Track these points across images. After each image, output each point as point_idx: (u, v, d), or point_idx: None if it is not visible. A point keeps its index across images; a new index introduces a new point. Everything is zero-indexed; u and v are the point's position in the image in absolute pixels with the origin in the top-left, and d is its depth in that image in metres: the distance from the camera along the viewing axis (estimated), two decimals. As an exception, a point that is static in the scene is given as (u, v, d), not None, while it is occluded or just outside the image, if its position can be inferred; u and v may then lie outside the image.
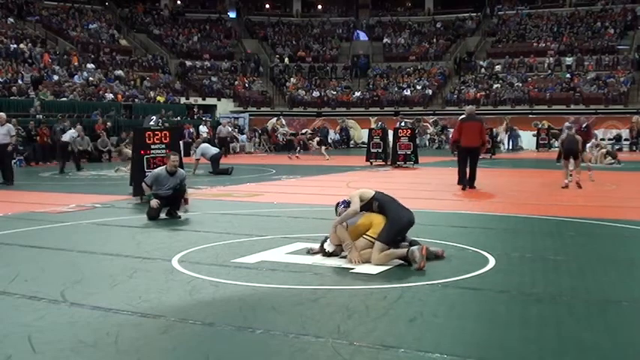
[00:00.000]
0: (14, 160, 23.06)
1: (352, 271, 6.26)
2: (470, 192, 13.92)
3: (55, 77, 31.63)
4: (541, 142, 33.38)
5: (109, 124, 26.86)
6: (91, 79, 33.11)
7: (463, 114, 15.15)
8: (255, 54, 47.23)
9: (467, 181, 14.35)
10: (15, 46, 32.78)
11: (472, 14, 49.27)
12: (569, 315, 4.95)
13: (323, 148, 27.21)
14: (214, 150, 19.98)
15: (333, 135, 37.97)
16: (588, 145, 18.88)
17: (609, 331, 4.56)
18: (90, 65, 35.21)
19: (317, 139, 29.17)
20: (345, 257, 6.67)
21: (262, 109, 42.28)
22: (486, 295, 5.53)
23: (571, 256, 7.22)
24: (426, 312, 4.95)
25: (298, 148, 28.29)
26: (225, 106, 40.88)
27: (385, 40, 48.54)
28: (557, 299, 5.36)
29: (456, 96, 41.70)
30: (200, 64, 44.03)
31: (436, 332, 4.51)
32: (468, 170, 14.41)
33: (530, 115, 37.22)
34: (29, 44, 33.88)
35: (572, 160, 14.51)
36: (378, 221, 6.64)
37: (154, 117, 13.99)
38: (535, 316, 4.90)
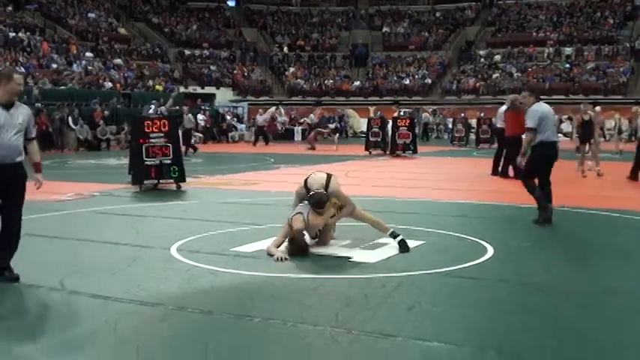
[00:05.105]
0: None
1: (351, 260, 6.26)
2: (473, 182, 13.94)
3: (54, 65, 31.51)
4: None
5: (106, 112, 26.79)
6: (89, 67, 32.99)
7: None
8: (254, 43, 47.10)
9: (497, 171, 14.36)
10: (13, 34, 32.63)
11: (472, 3, 49.07)
12: (568, 304, 4.95)
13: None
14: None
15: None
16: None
17: (607, 319, 4.56)
18: (88, 54, 35.06)
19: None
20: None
21: (261, 98, 42.17)
22: (485, 284, 5.53)
23: (569, 246, 7.22)
24: (425, 301, 4.95)
25: (335, 136, 27.17)
26: (224, 95, 40.76)
27: (384, 29, 48.38)
28: (556, 288, 5.36)
29: (455, 86, 41.62)
30: (199, 52, 43.88)
31: (435, 321, 4.52)
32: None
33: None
34: (28, 33, 33.73)
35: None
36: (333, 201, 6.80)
37: (153, 105, 13.96)
38: (534, 304, 4.90)
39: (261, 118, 30.27)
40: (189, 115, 23.80)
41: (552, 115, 8.51)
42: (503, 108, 14.79)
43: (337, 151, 23.93)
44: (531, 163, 8.41)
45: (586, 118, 14.97)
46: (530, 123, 8.23)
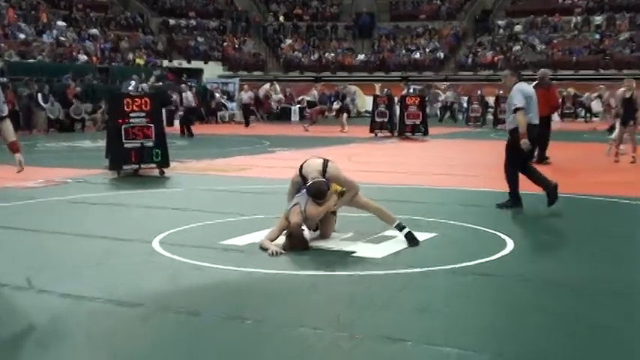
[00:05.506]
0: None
1: (354, 255, 6.25)
2: (490, 167, 13.89)
3: (22, 36, 31.36)
4: (566, 111, 33.27)
5: (78, 89, 26.71)
6: (61, 38, 32.84)
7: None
8: (246, 11, 46.91)
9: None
10: (-25, 0, 32.51)
11: (490, -33, 48.85)
12: (597, 304, 4.92)
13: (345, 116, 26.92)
14: None
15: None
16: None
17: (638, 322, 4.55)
18: (60, 22, 34.87)
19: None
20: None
21: (254, 73, 42.08)
22: (504, 281, 5.51)
23: (599, 238, 7.20)
24: (437, 301, 4.93)
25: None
26: (212, 70, 40.65)
27: (392, -5, 48.20)
28: (584, 287, 5.34)
29: (470, 60, 41.50)
30: (185, 22, 43.68)
31: (448, 323, 4.50)
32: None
33: (554, 82, 37.04)
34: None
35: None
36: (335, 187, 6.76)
37: (133, 81, 13.92)
38: (557, 305, 4.88)
39: (246, 96, 30.19)
40: (189, 92, 23.81)
41: (535, 97, 8.91)
42: (533, 84, 14.76)
43: (346, 132, 24.12)
44: (513, 150, 8.73)
45: (628, 95, 14.64)
46: (519, 102, 8.61)
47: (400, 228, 6.68)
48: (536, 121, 8.88)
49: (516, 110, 8.58)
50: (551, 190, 8.47)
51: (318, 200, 6.59)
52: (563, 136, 19.61)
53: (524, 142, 8.54)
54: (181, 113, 23.58)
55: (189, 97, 23.38)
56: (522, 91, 8.71)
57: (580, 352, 4.00)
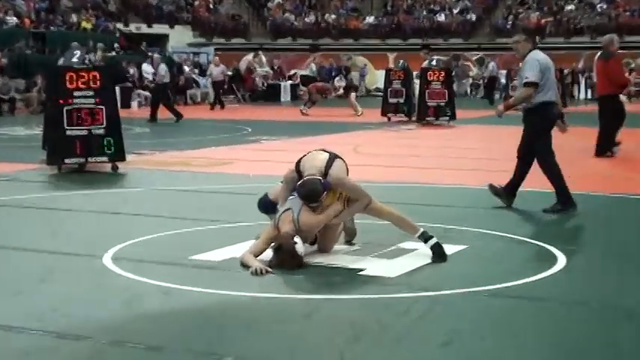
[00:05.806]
0: None
1: (362, 274, 6.25)
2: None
3: None
4: (634, 88, 33.24)
5: (5, 60, 26.65)
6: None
7: None
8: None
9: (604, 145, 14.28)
10: None
11: None
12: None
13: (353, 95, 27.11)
14: None
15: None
16: None
17: None
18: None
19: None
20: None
21: (234, 40, 42.06)
22: (554, 308, 5.51)
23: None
24: (466, 331, 4.94)
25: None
26: (180, 37, 40.65)
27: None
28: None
29: (510, 23, 41.46)
30: (144, -25, 43.73)
31: (481, 361, 4.51)
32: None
33: (619, 51, 37.00)
34: None
35: None
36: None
37: (78, 51, 13.91)
38: (623, 338, 4.88)
39: (217, 71, 30.16)
40: (163, 64, 23.80)
41: (553, 69, 9.09)
42: (598, 55, 14.86)
43: (360, 116, 24.37)
44: (541, 135, 8.84)
45: None
46: (532, 76, 8.73)
47: (425, 239, 6.65)
48: (555, 98, 9.04)
49: (527, 85, 8.71)
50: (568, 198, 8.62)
51: (311, 204, 6.55)
52: (632, 120, 19.58)
53: (499, 110, 9.26)
54: (145, 93, 23.48)
55: (161, 70, 23.29)
56: (539, 61, 8.76)
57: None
